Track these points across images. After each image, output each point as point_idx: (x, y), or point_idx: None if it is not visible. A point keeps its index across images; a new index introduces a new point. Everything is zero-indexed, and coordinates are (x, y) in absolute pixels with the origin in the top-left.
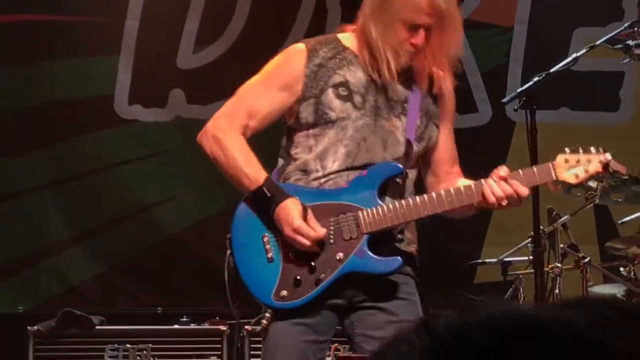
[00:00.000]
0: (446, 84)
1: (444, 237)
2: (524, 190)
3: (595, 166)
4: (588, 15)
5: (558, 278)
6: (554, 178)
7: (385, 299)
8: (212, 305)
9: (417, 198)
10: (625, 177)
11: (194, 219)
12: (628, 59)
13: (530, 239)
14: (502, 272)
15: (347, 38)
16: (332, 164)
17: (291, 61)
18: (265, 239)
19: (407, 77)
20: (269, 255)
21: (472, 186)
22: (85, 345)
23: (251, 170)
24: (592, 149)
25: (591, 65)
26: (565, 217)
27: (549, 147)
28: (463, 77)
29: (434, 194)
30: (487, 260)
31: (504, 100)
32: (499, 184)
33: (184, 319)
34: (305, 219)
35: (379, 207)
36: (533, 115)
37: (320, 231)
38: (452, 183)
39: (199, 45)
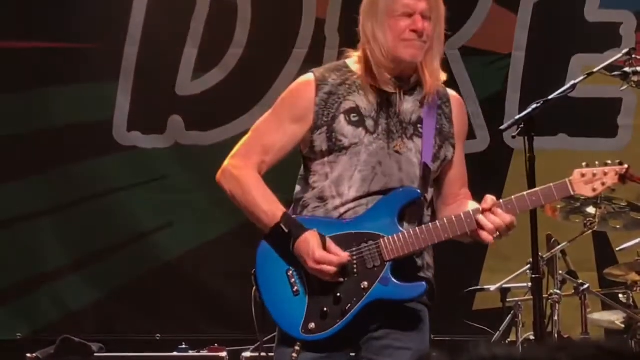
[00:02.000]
0: (457, 103)
1: (442, 263)
2: (507, 218)
3: (611, 178)
4: (586, 41)
5: (557, 305)
6: (572, 193)
7: (396, 326)
8: (211, 332)
9: (437, 222)
10: (624, 204)
11: (192, 245)
12: (625, 86)
13: (529, 266)
14: (501, 298)
15: (355, 63)
16: (349, 191)
17: (301, 93)
18: (290, 274)
19: (418, 96)
20: (294, 289)
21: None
22: None
23: (269, 207)
24: (609, 162)
25: (589, 92)
26: (564, 243)
27: (547, 173)
28: None
29: (453, 217)
30: (485, 286)
31: (502, 127)
32: (488, 217)
33: (183, 346)
34: (325, 248)
35: (400, 233)
36: (531, 142)
37: (343, 255)
38: (461, 206)
39: (198, 72)
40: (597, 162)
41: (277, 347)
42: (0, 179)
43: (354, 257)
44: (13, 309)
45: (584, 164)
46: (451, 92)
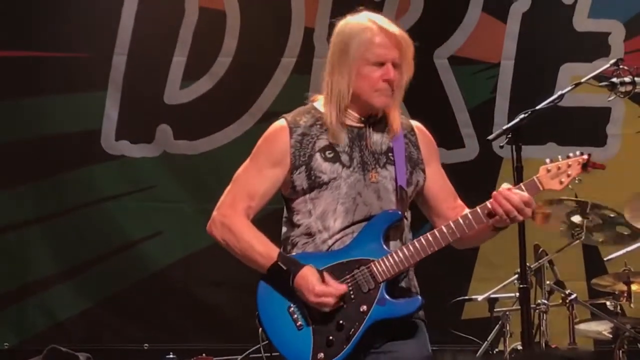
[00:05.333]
0: (420, 131)
1: (431, 273)
2: (527, 196)
3: (575, 169)
4: (574, 51)
5: (544, 315)
6: (541, 189)
7: (397, 339)
8: (198, 342)
9: (421, 238)
10: (612, 215)
11: (180, 254)
12: (613, 97)
13: (516, 276)
14: (489, 308)
15: (323, 105)
16: (334, 223)
17: (276, 138)
18: (291, 310)
19: (384, 127)
20: (298, 324)
21: (477, 209)
22: None
23: (263, 248)
24: (571, 154)
25: (578, 101)
26: (552, 254)
27: None
28: (450, 113)
29: (435, 231)
30: (473, 296)
31: (490, 137)
32: (504, 195)
33: (171, 356)
34: (323, 281)
35: (388, 255)
36: (519, 151)
37: (340, 287)
38: (457, 217)
39: (186, 81)
40: (559, 157)
41: None
42: None
43: (349, 284)
44: (0, 318)
45: (547, 160)
46: (414, 122)
